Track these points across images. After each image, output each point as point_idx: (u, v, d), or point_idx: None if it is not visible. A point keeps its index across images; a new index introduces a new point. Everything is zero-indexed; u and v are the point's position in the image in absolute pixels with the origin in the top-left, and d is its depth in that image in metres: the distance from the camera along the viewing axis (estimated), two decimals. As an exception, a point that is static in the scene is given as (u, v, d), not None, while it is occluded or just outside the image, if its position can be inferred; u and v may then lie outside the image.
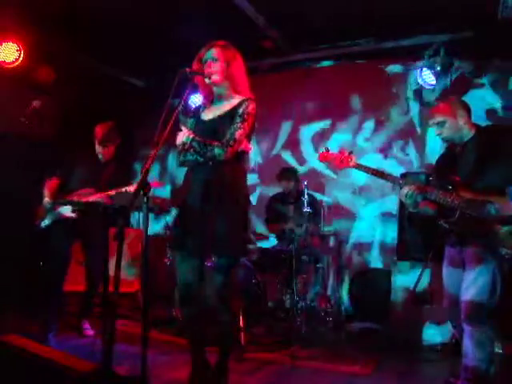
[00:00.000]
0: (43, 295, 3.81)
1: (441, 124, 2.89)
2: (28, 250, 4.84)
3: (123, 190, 3.61)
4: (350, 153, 2.97)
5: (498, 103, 4.98)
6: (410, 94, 5.43)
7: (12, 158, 4.95)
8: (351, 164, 2.94)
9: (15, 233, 4.75)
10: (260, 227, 5.72)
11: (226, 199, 2.59)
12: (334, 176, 5.73)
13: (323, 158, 3.04)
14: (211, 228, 2.55)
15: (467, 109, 2.93)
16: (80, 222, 3.82)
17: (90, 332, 3.98)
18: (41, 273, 4.58)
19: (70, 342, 3.59)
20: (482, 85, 5.05)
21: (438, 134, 2.94)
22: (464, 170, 2.84)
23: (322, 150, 3.12)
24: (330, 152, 3.02)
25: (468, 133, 2.90)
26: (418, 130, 5.40)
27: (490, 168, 2.75)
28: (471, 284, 2.72)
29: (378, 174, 2.91)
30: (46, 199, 3.86)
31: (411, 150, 5.42)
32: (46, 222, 3.89)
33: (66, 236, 3.90)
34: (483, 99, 5.06)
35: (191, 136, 2.56)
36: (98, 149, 4.04)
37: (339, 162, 2.96)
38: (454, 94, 3.28)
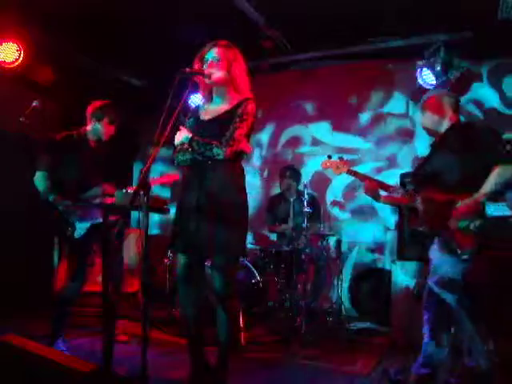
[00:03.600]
0: (55, 298, 3.61)
1: (423, 113, 3.06)
2: (29, 250, 4.84)
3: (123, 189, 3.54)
4: (346, 160, 3.31)
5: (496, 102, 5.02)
6: (409, 93, 5.43)
7: (12, 157, 4.95)
8: (344, 170, 3.26)
9: (15, 232, 4.75)
10: (261, 227, 5.73)
11: (224, 199, 2.59)
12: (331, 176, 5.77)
13: (324, 166, 3.34)
14: (210, 228, 2.55)
15: (454, 104, 3.00)
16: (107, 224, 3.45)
17: (123, 337, 3.90)
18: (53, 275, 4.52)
19: (71, 342, 3.58)
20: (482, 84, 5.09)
21: (421, 123, 3.12)
22: (435, 164, 2.94)
23: (325, 157, 3.39)
24: (331, 160, 3.32)
25: (446, 127, 2.98)
26: (418, 129, 5.41)
27: (458, 163, 2.81)
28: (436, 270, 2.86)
29: (365, 179, 3.17)
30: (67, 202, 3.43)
31: (411, 150, 5.42)
32: (80, 232, 3.46)
33: (92, 240, 3.54)
34: (482, 98, 5.09)
35: (190, 135, 2.56)
36: (97, 126, 3.58)
37: (336, 168, 3.28)
38: (444, 89, 3.42)
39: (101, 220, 3.46)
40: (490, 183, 2.64)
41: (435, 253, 2.89)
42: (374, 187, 3.09)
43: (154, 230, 6.25)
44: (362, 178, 3.17)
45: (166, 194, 6.53)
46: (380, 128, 5.62)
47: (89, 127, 3.63)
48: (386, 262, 5.31)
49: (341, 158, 3.30)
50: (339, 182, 5.74)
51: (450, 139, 2.91)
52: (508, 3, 3.97)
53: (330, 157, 3.35)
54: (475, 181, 2.68)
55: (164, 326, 4.35)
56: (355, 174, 3.24)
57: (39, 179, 3.48)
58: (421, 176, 3.02)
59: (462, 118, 3.19)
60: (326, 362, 3.57)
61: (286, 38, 5.13)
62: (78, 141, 3.60)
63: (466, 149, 2.79)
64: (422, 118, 3.08)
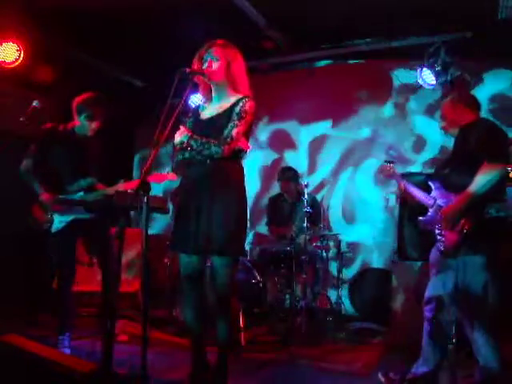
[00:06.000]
0: (56, 297, 3.58)
1: (442, 118, 3.04)
2: (28, 250, 4.84)
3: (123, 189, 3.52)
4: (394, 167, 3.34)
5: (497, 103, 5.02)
6: (410, 93, 5.43)
7: (11, 157, 4.95)
8: (390, 175, 3.31)
9: (15, 232, 4.75)
10: (260, 227, 5.72)
11: (223, 197, 2.59)
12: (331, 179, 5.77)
13: (385, 173, 3.34)
14: (209, 227, 2.55)
15: (470, 105, 2.95)
16: (91, 221, 3.48)
17: (123, 337, 3.92)
18: (48, 274, 4.51)
19: (71, 342, 3.58)
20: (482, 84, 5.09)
21: (441, 128, 3.08)
22: (448, 165, 2.97)
23: (385, 162, 3.39)
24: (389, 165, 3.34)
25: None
26: (418, 129, 5.41)
27: (459, 164, 2.84)
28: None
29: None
30: (45, 197, 3.42)
31: (412, 150, 5.42)
32: (57, 226, 3.44)
33: (74, 236, 3.52)
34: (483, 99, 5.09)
35: (189, 134, 2.56)
36: (80, 121, 3.55)
37: (386, 173, 3.32)
38: (460, 91, 3.38)
39: (84, 215, 3.44)
40: (474, 182, 2.61)
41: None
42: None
43: (153, 230, 6.24)
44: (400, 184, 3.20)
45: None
46: (381, 128, 5.61)
47: (75, 122, 3.63)
48: (386, 262, 5.30)
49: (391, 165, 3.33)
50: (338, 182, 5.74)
51: (455, 141, 2.92)
52: (508, 3, 3.97)
53: (391, 162, 3.36)
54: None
55: (164, 325, 4.35)
56: (398, 179, 3.28)
57: (24, 167, 3.64)
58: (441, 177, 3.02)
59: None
60: (326, 362, 3.56)
61: (286, 38, 5.13)
62: (63, 134, 3.60)
63: (463, 149, 2.80)
64: (442, 123, 3.04)
